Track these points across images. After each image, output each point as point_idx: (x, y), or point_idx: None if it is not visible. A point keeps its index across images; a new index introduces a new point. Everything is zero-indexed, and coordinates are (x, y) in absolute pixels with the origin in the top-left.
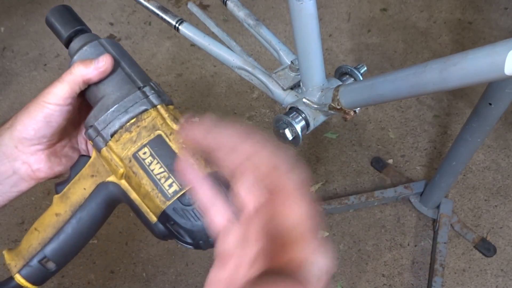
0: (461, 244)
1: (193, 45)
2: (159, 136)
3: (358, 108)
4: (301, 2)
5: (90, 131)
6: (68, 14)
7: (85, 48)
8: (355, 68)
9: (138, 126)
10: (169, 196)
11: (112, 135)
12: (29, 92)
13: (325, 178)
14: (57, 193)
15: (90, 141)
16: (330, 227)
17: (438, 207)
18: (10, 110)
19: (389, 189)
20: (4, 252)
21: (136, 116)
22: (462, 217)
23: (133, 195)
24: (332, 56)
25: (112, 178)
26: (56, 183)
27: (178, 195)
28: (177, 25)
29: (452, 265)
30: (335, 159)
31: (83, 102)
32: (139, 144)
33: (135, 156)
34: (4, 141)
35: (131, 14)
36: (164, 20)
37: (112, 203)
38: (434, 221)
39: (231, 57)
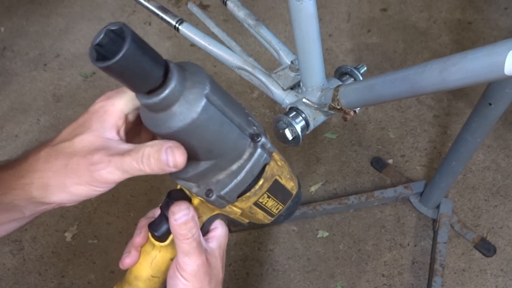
0: (461, 244)
1: (193, 45)
2: (276, 180)
3: (358, 108)
4: (301, 2)
5: (213, 198)
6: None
7: (198, 117)
8: (355, 68)
9: (261, 186)
10: (274, 214)
11: (238, 197)
12: (29, 92)
13: (325, 178)
14: (155, 235)
15: (210, 204)
16: (330, 227)
17: (438, 207)
18: (10, 110)
19: (389, 189)
20: None
21: (262, 176)
22: (462, 217)
23: (236, 216)
24: (332, 56)
25: (217, 211)
26: (150, 225)
27: (280, 211)
28: (177, 25)
29: (452, 265)
30: (335, 159)
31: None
32: (260, 194)
33: (256, 203)
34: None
35: (131, 14)
36: (164, 20)
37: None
38: (434, 221)
39: (231, 57)
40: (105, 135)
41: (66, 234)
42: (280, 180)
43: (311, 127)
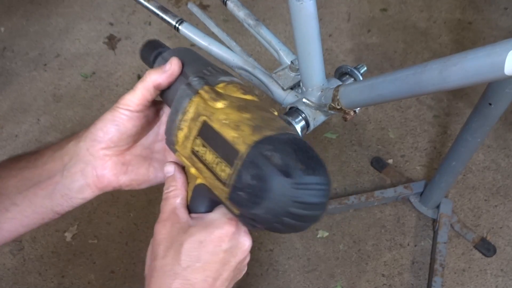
0: (461, 244)
1: (193, 45)
2: (204, 122)
3: (358, 108)
4: (301, 2)
5: (165, 141)
6: (153, 45)
7: (159, 58)
8: (355, 68)
9: (186, 121)
10: (225, 181)
11: (174, 139)
12: (29, 92)
13: None
14: None
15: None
16: (330, 227)
17: (438, 207)
18: (10, 110)
19: (389, 189)
20: None
21: (182, 111)
22: (462, 217)
23: (214, 191)
24: (332, 56)
25: (199, 180)
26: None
27: (233, 179)
28: (177, 25)
29: (452, 265)
30: (335, 159)
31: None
32: (192, 138)
33: (193, 151)
34: (79, 142)
35: (131, 14)
36: (164, 20)
37: (213, 203)
38: (434, 221)
39: (231, 57)
40: None
41: (66, 234)
42: (210, 122)
43: (311, 127)
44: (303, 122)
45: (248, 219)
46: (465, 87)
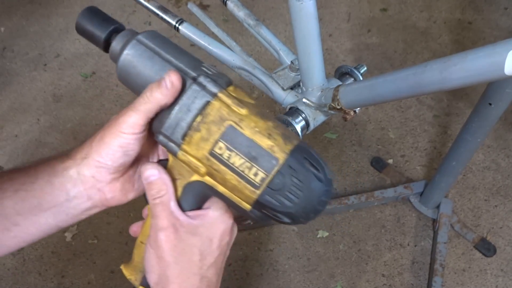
0: (461, 244)
1: (193, 45)
2: (230, 126)
3: (358, 108)
4: (301, 2)
5: (161, 137)
6: (98, 15)
7: (126, 52)
8: (355, 68)
9: (205, 123)
10: (258, 185)
11: (183, 138)
12: (29, 92)
13: None
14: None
15: (164, 147)
16: (330, 227)
17: (438, 207)
18: (10, 110)
19: (389, 189)
20: (122, 268)
21: (200, 112)
22: (462, 217)
23: (221, 189)
24: (332, 56)
25: (196, 177)
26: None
27: (267, 182)
28: (177, 25)
29: (452, 265)
30: (335, 159)
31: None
32: (212, 141)
33: (212, 153)
34: (82, 171)
35: (131, 14)
36: (164, 20)
37: (203, 199)
38: (434, 221)
39: (231, 57)
40: None
41: (66, 234)
42: (239, 128)
43: (311, 127)
44: (303, 122)
45: (271, 215)
46: (465, 87)
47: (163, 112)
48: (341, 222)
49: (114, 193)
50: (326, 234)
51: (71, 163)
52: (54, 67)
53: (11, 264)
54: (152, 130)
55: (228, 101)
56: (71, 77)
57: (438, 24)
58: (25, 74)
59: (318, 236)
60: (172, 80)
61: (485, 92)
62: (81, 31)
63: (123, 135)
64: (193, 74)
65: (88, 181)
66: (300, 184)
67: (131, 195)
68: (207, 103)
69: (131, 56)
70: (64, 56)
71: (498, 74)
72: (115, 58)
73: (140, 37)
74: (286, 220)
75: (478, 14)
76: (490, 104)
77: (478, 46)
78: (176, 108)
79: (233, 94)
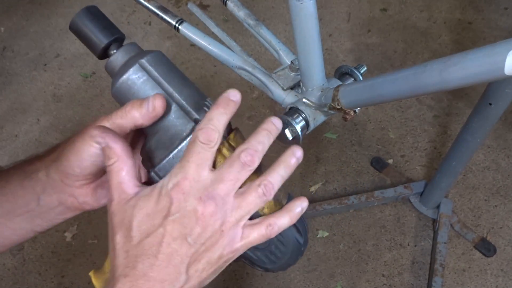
0: (461, 244)
1: (193, 45)
2: None
3: (358, 108)
4: (301, 2)
5: (152, 174)
6: (99, 19)
7: (126, 76)
8: (355, 68)
9: None
10: None
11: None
12: (29, 92)
13: (325, 178)
14: None
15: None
16: (330, 227)
17: (438, 207)
18: (10, 110)
19: (389, 189)
20: (91, 274)
21: None
22: (462, 217)
23: None
24: (332, 56)
25: None
26: None
27: None
28: (177, 25)
29: (452, 265)
30: (335, 159)
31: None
32: None
33: None
34: (50, 173)
35: (131, 14)
36: (164, 20)
37: None
38: (434, 221)
39: (231, 57)
40: None
41: (66, 234)
42: None
43: (311, 127)
44: (303, 122)
45: (248, 263)
46: (465, 87)
47: (155, 144)
48: (341, 222)
49: (85, 198)
50: (326, 234)
51: (40, 165)
52: (54, 67)
53: (11, 264)
54: (142, 159)
55: (227, 153)
56: (71, 77)
57: (438, 24)
58: (25, 74)
59: (318, 236)
60: (155, 105)
61: (485, 92)
62: (76, 30)
63: (94, 144)
64: (196, 115)
65: (57, 185)
66: (283, 248)
67: (104, 201)
68: None
69: (131, 82)
70: (64, 56)
71: (498, 74)
72: (113, 74)
73: (143, 61)
74: (260, 270)
75: (478, 14)
76: (490, 104)
77: (478, 46)
78: (174, 152)
79: (232, 144)
